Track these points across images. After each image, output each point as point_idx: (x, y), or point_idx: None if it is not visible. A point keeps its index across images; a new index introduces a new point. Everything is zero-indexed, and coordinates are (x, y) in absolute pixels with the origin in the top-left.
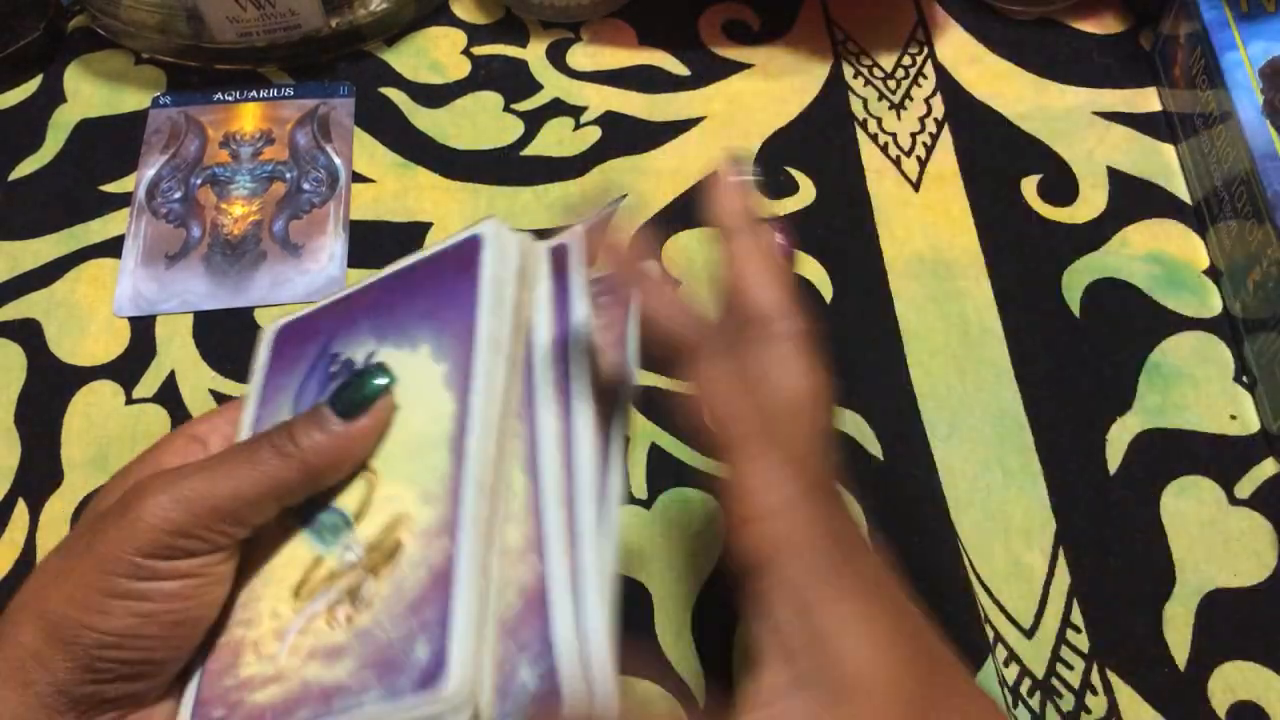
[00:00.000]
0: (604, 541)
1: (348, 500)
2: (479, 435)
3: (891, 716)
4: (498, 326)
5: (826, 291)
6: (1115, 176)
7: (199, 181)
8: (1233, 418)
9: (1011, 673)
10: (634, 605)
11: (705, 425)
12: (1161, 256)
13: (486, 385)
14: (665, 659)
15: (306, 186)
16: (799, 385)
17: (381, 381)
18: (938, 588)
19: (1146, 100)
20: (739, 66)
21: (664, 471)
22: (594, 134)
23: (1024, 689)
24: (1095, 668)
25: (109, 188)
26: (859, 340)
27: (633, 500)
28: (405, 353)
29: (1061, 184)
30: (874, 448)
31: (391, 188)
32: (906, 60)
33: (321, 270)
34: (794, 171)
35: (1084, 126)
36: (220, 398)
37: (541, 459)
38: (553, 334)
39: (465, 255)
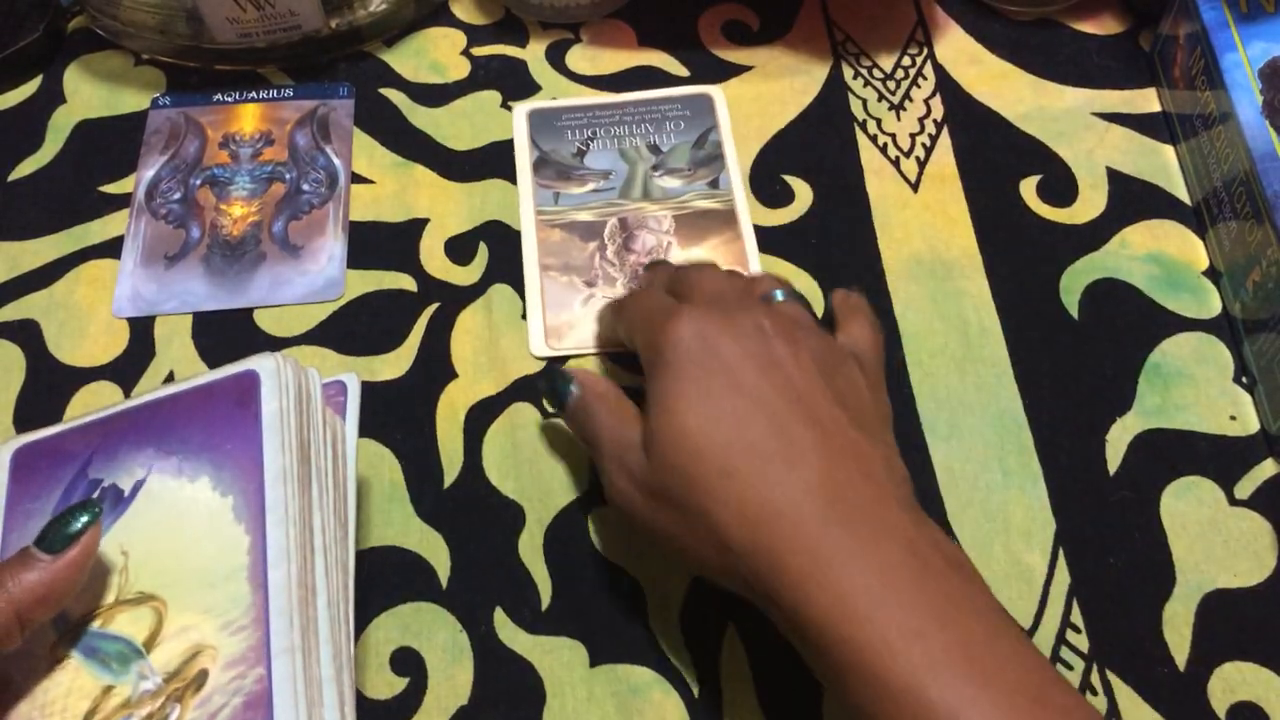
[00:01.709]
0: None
1: (135, 629)
2: (282, 568)
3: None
4: (285, 459)
5: (824, 292)
6: (1115, 177)
7: (198, 182)
8: (1233, 418)
9: None
10: (625, 596)
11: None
12: (1161, 257)
13: (282, 518)
14: (659, 649)
15: (306, 187)
16: None
17: (85, 519)
18: None
19: (1146, 101)
20: (739, 68)
21: None
22: None
23: None
24: (1095, 668)
25: (108, 188)
26: None
27: None
28: (182, 482)
29: (1061, 184)
30: None
31: (390, 188)
32: (906, 61)
33: (321, 271)
34: (793, 173)
35: (1083, 127)
36: None
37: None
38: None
39: (243, 389)
